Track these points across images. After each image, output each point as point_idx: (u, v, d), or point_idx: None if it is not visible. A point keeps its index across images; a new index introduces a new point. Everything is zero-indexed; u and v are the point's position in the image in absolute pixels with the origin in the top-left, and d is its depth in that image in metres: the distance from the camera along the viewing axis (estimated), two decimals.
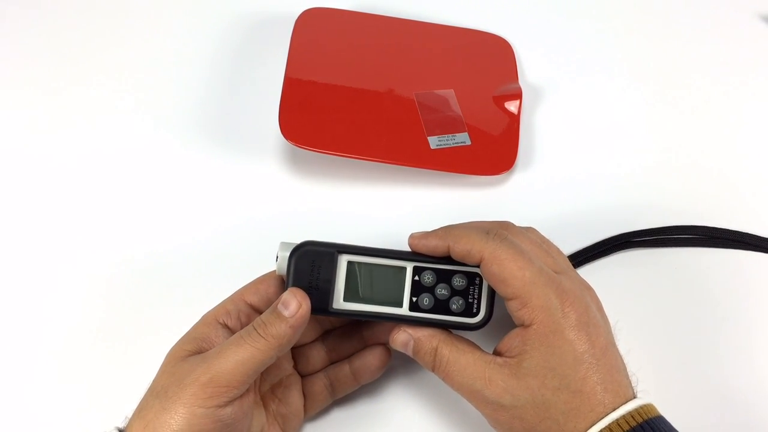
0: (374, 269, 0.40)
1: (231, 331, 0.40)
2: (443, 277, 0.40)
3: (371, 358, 0.43)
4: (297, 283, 0.39)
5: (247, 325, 0.39)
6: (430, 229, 0.41)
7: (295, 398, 0.42)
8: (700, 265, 0.51)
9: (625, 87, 0.60)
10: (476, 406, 0.38)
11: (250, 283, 0.42)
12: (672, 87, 0.60)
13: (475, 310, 0.40)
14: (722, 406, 0.46)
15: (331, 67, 0.55)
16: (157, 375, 0.38)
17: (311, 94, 0.53)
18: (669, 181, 0.55)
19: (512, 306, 0.37)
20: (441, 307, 0.40)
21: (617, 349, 0.38)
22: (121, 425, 0.37)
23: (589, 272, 0.49)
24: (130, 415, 0.37)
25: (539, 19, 0.64)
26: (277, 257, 0.40)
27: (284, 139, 0.50)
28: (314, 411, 0.43)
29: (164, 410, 0.35)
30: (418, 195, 0.53)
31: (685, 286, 0.50)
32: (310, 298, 0.38)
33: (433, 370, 0.40)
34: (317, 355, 0.44)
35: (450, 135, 0.54)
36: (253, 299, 0.41)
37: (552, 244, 0.41)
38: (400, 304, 0.40)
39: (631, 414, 0.35)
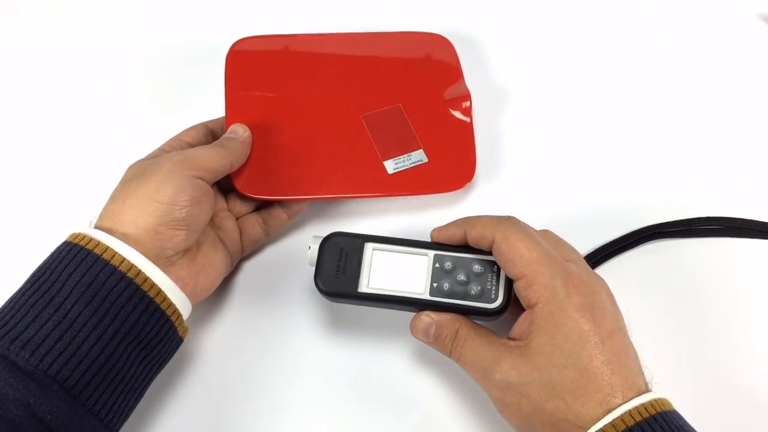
0: (397, 257, 0.43)
1: None
2: (462, 264, 0.42)
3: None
4: (326, 269, 0.43)
5: None
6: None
7: (231, 225, 0.49)
8: (726, 256, 0.51)
9: (623, 87, 0.59)
10: (486, 388, 0.40)
11: (184, 131, 0.49)
12: (671, 87, 0.59)
13: (493, 296, 0.42)
14: (747, 399, 0.46)
15: (272, 107, 0.53)
16: (119, 184, 0.43)
17: (257, 140, 0.51)
18: (662, 182, 0.54)
19: (519, 286, 0.39)
20: (460, 291, 0.42)
21: (628, 338, 0.39)
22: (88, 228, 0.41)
23: (607, 269, 0.50)
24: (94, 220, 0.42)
25: (506, 15, 0.62)
26: (309, 248, 0.44)
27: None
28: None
29: (146, 181, 0.41)
30: (380, 225, 0.52)
31: (710, 278, 0.50)
32: (338, 283, 0.43)
33: (450, 354, 0.42)
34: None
35: (406, 155, 0.52)
36: (188, 139, 0.48)
37: (567, 243, 0.42)
38: (421, 289, 0.42)
39: (644, 406, 0.35)
